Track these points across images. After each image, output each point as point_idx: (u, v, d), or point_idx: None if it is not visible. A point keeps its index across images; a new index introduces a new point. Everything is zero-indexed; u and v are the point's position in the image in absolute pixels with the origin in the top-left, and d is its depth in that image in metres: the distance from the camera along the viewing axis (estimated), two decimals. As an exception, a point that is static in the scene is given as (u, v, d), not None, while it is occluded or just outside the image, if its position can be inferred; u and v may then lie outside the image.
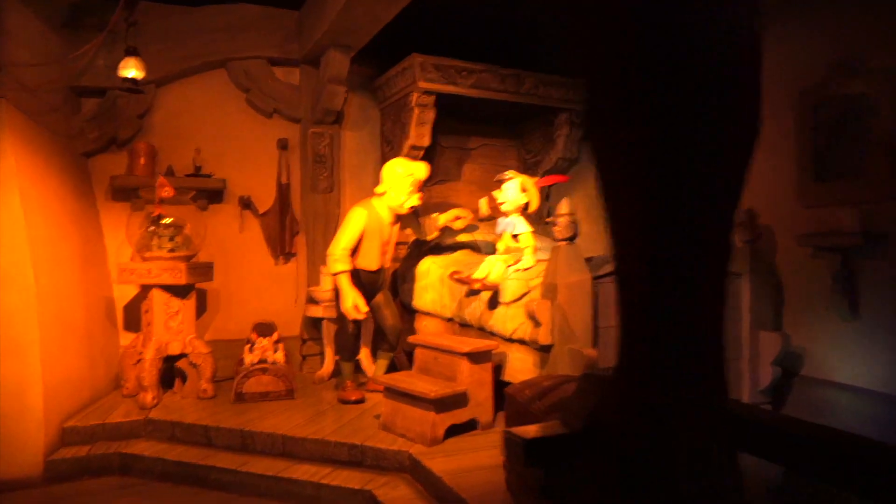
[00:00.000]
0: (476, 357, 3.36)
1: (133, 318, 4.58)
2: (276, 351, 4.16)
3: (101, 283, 4.44)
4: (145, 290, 4.10)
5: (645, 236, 1.56)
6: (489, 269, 3.69)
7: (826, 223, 3.66)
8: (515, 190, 3.82)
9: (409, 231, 4.43)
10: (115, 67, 4.04)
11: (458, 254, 4.59)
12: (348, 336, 4.01)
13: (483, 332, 3.78)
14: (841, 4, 3.66)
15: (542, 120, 5.36)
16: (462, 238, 4.71)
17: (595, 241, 4.73)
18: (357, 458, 3.20)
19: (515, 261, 3.71)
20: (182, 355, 4.09)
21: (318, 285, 4.73)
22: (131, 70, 3.95)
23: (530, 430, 1.75)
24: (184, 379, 4.17)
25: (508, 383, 3.50)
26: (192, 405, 3.91)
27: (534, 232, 3.85)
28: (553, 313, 3.15)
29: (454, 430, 3.28)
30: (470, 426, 3.38)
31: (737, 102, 1.44)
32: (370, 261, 3.99)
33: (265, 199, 5.13)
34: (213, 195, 4.96)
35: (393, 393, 3.39)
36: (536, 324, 3.22)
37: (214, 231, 4.83)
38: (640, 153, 1.49)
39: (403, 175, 3.95)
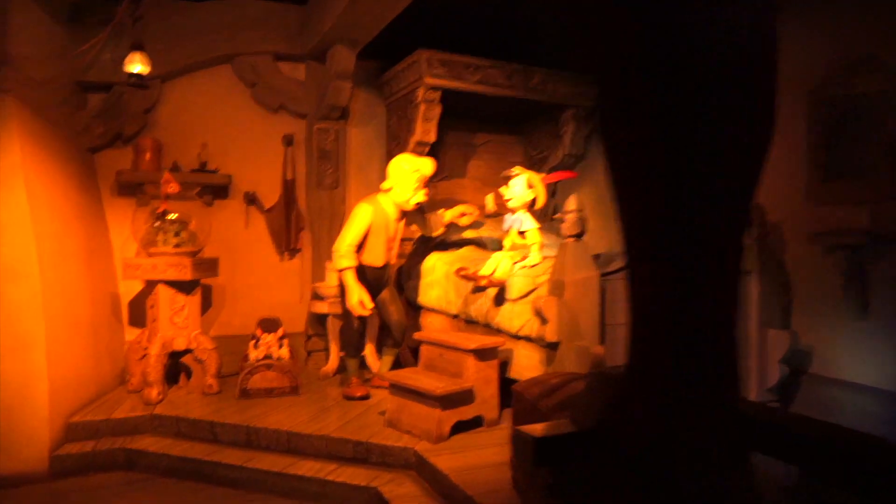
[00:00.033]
0: (482, 354, 3.35)
1: (138, 313, 4.58)
2: (280, 347, 4.15)
3: (106, 278, 4.44)
4: (150, 285, 4.10)
5: (657, 234, 1.54)
6: (495, 265, 3.66)
7: (837, 221, 3.63)
8: (522, 186, 3.80)
9: (414, 227, 4.41)
10: (120, 62, 4.02)
11: (464, 250, 4.57)
12: (353, 332, 3.99)
13: (489, 328, 3.76)
14: (852, 2, 3.62)
15: (549, 116, 5.33)
16: (468, 234, 4.69)
17: (601, 237, 4.72)
18: (362, 454, 3.18)
19: (522, 257, 3.69)
20: (187, 351, 4.09)
21: (322, 281, 4.72)
22: (137, 65, 3.94)
23: (540, 429, 1.73)
24: (189, 374, 4.17)
25: (514, 380, 3.49)
26: (197, 401, 3.90)
27: (540, 229, 3.82)
28: (560, 310, 3.13)
29: (460, 427, 3.26)
30: (476, 423, 3.36)
31: (752, 102, 1.42)
32: (376, 257, 3.98)
33: (270, 194, 5.12)
34: (218, 191, 4.95)
35: (399, 389, 3.38)
36: (543, 321, 3.19)
37: (219, 227, 4.81)
38: (653, 151, 1.47)
39: (409, 171, 3.93)
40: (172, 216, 4.12)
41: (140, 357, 4.05)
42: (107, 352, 4.20)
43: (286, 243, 5.15)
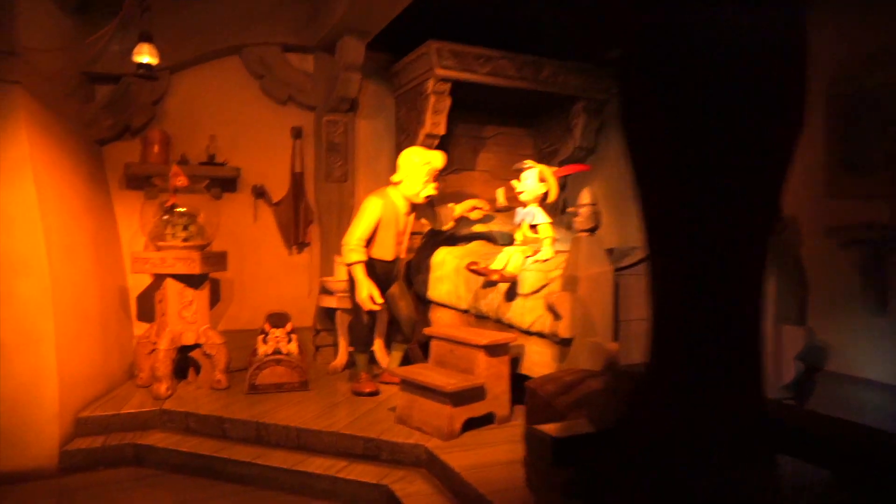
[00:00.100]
0: (494, 350, 3.30)
1: (146, 307, 4.56)
2: (289, 342, 4.12)
3: (115, 272, 4.42)
4: (159, 279, 4.07)
5: (680, 230, 1.49)
6: (507, 259, 3.62)
7: (854, 216, 3.56)
8: (534, 179, 3.74)
9: (423, 221, 4.36)
10: (129, 54, 3.98)
11: (474, 244, 4.52)
12: (363, 327, 3.96)
13: (500, 324, 3.72)
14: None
15: (559, 109, 5.26)
16: (478, 228, 4.64)
17: (613, 231, 4.67)
18: (373, 451, 3.15)
19: (534, 252, 3.64)
20: (196, 345, 4.07)
21: (331, 275, 4.69)
22: (145, 56, 3.89)
23: (557, 428, 1.69)
24: (197, 369, 4.14)
25: (525, 376, 3.44)
26: (206, 396, 3.88)
27: (551, 223, 3.77)
28: (574, 306, 3.08)
29: (471, 424, 3.23)
30: (487, 420, 3.33)
31: (780, 96, 1.37)
32: (385, 251, 3.93)
33: (279, 187, 5.08)
34: (226, 184, 4.92)
35: (409, 386, 3.34)
36: (556, 316, 3.15)
37: (228, 220, 4.78)
38: (676, 145, 1.41)
39: (420, 164, 3.89)
40: (181, 209, 4.09)
41: (149, 352, 4.03)
42: (116, 346, 4.19)
43: (295, 237, 5.12)
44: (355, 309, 3.93)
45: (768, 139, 1.41)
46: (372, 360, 4.23)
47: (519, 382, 3.38)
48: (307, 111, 5.15)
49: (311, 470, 3.06)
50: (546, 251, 3.58)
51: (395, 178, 3.96)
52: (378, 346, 4.44)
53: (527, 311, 3.46)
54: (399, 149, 4.79)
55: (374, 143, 5.25)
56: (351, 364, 4.40)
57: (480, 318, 3.95)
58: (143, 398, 3.83)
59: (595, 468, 1.72)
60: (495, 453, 2.94)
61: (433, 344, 3.57)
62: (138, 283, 4.58)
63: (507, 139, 5.61)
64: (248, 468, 3.18)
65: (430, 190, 3.94)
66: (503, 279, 3.54)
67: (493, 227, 4.66)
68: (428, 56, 4.43)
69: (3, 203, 3.34)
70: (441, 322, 4.40)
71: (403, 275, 4.26)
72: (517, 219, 3.81)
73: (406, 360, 4.18)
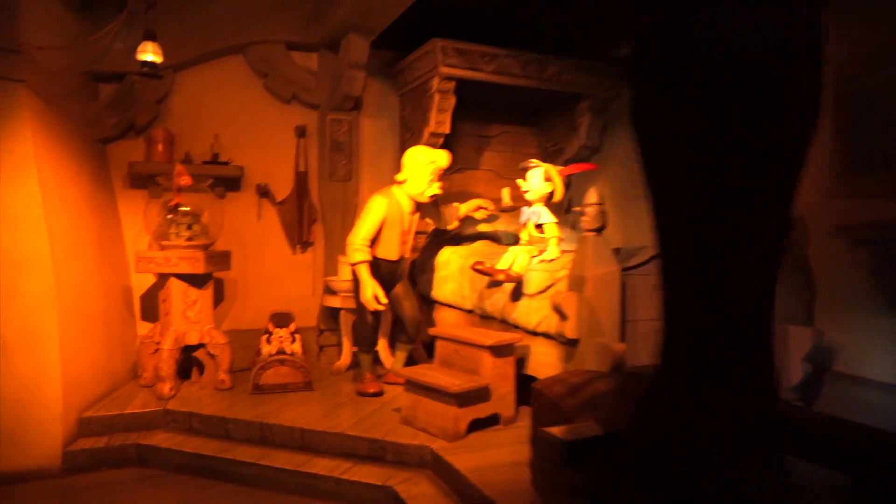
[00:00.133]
0: (499, 350, 3.28)
1: (150, 307, 4.55)
2: (293, 341, 4.10)
3: (118, 271, 4.40)
4: (163, 279, 4.06)
5: (692, 230, 1.46)
6: (512, 259, 3.59)
7: (863, 214, 3.53)
8: (540, 179, 3.72)
9: (428, 220, 4.34)
10: (133, 52, 3.97)
11: (478, 244, 4.49)
12: (367, 327, 3.94)
13: (505, 324, 3.69)
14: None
15: (564, 107, 5.23)
16: (482, 228, 4.61)
17: (618, 231, 4.63)
18: (378, 452, 3.13)
19: (540, 251, 3.61)
20: (200, 345, 4.05)
21: (335, 275, 4.66)
22: (149, 54, 3.88)
23: (566, 430, 1.67)
24: (201, 369, 4.13)
25: (529, 377, 3.42)
26: (209, 396, 3.86)
27: (557, 222, 3.74)
28: (580, 306, 3.05)
29: (476, 425, 3.20)
30: (492, 421, 3.30)
31: (794, 96, 1.34)
32: (390, 250, 3.91)
33: (283, 186, 5.07)
34: (230, 183, 4.90)
35: (414, 386, 3.32)
36: (563, 317, 3.12)
37: (232, 219, 4.77)
38: (689, 144, 1.39)
39: (425, 163, 3.86)
40: (185, 209, 4.08)
41: (152, 351, 4.02)
42: (119, 346, 4.17)
43: (298, 236, 5.10)
44: (359, 309, 3.91)
45: (782, 138, 1.38)
46: (376, 360, 4.21)
47: (524, 383, 3.36)
48: (311, 110, 5.13)
49: (315, 471, 3.05)
50: (552, 251, 3.56)
51: (399, 177, 3.93)
52: (382, 346, 4.42)
53: (532, 312, 3.43)
54: (403, 147, 4.76)
55: (378, 141, 5.23)
56: (355, 364, 4.38)
57: (485, 319, 3.93)
58: (147, 398, 3.81)
59: (604, 471, 1.70)
60: (501, 455, 2.92)
61: (438, 344, 3.55)
62: (142, 282, 4.57)
63: (511, 138, 5.58)
64: (251, 469, 3.16)
65: (435, 189, 3.91)
66: (509, 279, 3.51)
67: (498, 226, 4.63)
68: (432, 54, 4.41)
69: (7, 202, 3.33)
70: (445, 322, 4.37)
71: (408, 274, 4.24)
72: (523, 218, 3.79)
73: (410, 361, 4.16)
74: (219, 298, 4.78)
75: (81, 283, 3.75)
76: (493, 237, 4.60)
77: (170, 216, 4.07)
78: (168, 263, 3.92)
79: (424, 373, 3.33)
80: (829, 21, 1.34)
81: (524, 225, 3.77)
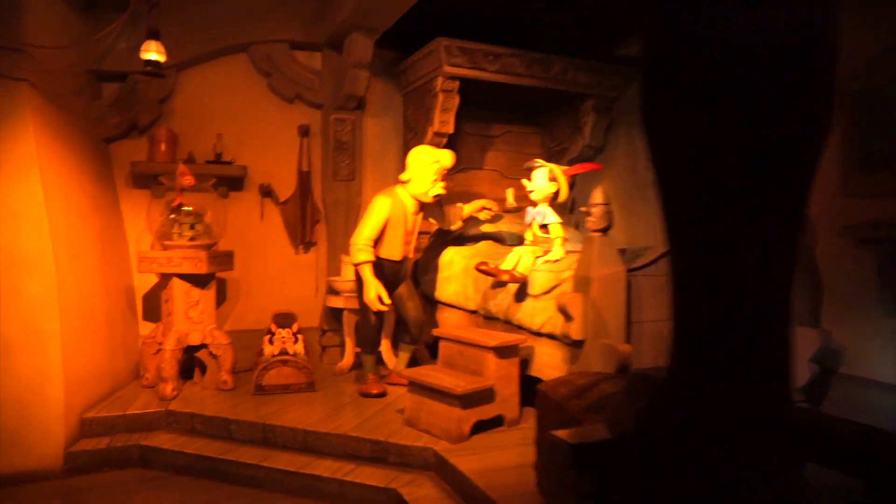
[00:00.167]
0: (503, 351, 3.26)
1: (152, 307, 4.53)
2: (296, 342, 4.09)
3: (121, 271, 4.39)
4: (165, 279, 4.04)
5: (705, 231, 1.44)
6: (517, 259, 3.57)
7: (870, 214, 3.50)
8: (544, 179, 3.69)
9: (431, 220, 4.31)
10: (136, 51, 3.96)
11: (482, 244, 4.47)
12: (370, 328, 3.91)
13: (509, 325, 3.67)
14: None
15: (568, 107, 5.21)
16: (486, 228, 4.59)
17: (621, 231, 4.61)
18: (381, 454, 3.11)
19: (544, 252, 3.59)
20: (202, 346, 4.03)
21: (338, 275, 4.65)
22: (152, 53, 3.86)
23: (574, 434, 1.64)
24: (203, 370, 4.11)
25: (533, 378, 3.39)
26: (211, 397, 3.85)
27: (562, 223, 3.72)
28: (586, 307, 3.02)
29: (480, 427, 3.18)
30: (496, 422, 3.28)
31: (809, 94, 1.32)
32: (394, 251, 3.89)
33: (286, 186, 5.04)
34: (233, 182, 4.88)
35: (417, 387, 3.30)
36: (568, 318, 3.09)
37: (234, 219, 4.75)
38: (701, 143, 1.36)
39: (429, 162, 3.84)
40: (188, 208, 4.06)
41: (155, 352, 4.00)
42: (121, 346, 4.16)
43: (301, 236, 5.08)
44: (363, 309, 3.89)
45: (795, 136, 1.36)
46: (379, 361, 4.19)
47: (528, 384, 3.34)
48: (314, 109, 5.10)
49: (318, 473, 3.02)
50: (557, 251, 3.53)
51: (403, 176, 3.91)
52: (385, 347, 4.40)
53: (537, 312, 3.41)
54: (407, 147, 4.74)
55: (381, 141, 5.21)
56: (357, 365, 4.36)
57: (489, 319, 3.90)
58: (149, 399, 3.79)
59: (612, 474, 1.67)
60: (505, 457, 2.89)
61: (442, 345, 3.52)
62: (144, 282, 4.55)
63: (515, 138, 5.56)
64: (254, 470, 3.14)
65: (439, 189, 3.89)
66: (513, 280, 3.49)
67: (502, 227, 4.61)
68: (436, 53, 4.38)
69: (10, 201, 3.32)
70: (449, 323, 4.35)
71: (411, 275, 4.22)
72: (527, 218, 3.76)
73: (413, 362, 4.14)
74: (221, 298, 4.76)
75: (84, 282, 3.73)
76: (496, 238, 4.58)
77: (172, 216, 4.05)
78: (171, 263, 3.91)
79: (428, 374, 3.30)
80: (843, 18, 1.32)
81: (529, 225, 3.75)
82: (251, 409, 3.58)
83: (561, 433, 1.61)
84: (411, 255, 4.08)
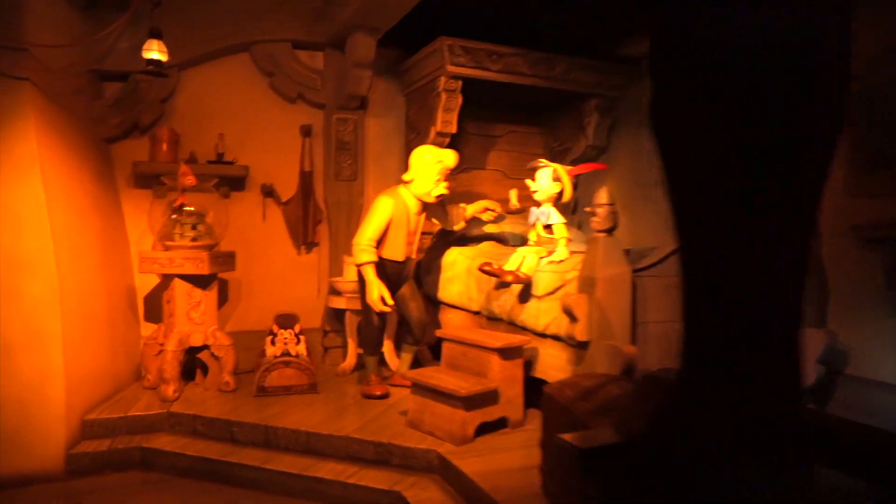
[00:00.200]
0: (508, 353, 3.23)
1: (154, 308, 4.51)
2: (298, 343, 4.06)
3: (122, 272, 4.37)
4: (167, 279, 4.02)
5: (715, 231, 1.41)
6: (521, 260, 3.54)
7: (878, 214, 3.47)
8: (548, 179, 3.67)
9: (434, 221, 4.29)
10: (138, 51, 3.94)
11: (485, 245, 4.45)
12: (373, 329, 3.89)
13: (513, 326, 3.64)
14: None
15: (571, 106, 5.19)
16: (489, 229, 4.57)
17: (625, 232, 4.58)
18: (384, 456, 3.08)
19: (548, 252, 3.56)
20: (204, 347, 4.01)
21: (340, 276, 4.62)
22: (154, 52, 3.84)
23: (582, 438, 1.62)
24: (205, 371, 4.08)
25: (536, 379, 3.37)
26: (213, 398, 3.82)
27: (566, 223, 3.69)
28: (591, 308, 3.00)
29: (484, 429, 3.15)
30: (500, 424, 3.25)
31: (817, 93, 1.29)
32: (396, 251, 3.87)
33: (288, 186, 5.02)
34: (235, 182, 4.86)
35: (421, 389, 3.27)
36: (573, 319, 3.07)
37: (236, 219, 4.72)
38: (712, 141, 1.34)
39: (432, 162, 3.81)
40: (189, 209, 4.04)
41: (156, 353, 3.98)
42: (123, 347, 4.14)
43: (303, 236, 5.05)
44: (365, 310, 3.86)
45: (805, 135, 1.34)
46: (381, 362, 4.16)
47: (531, 385, 3.32)
48: (317, 109, 5.08)
49: (321, 475, 3.00)
50: (561, 252, 3.51)
51: (406, 176, 3.89)
52: (387, 348, 4.38)
53: (541, 313, 3.38)
54: (409, 147, 4.72)
55: (384, 141, 5.19)
56: (359, 366, 4.34)
57: (492, 320, 3.88)
58: (151, 400, 3.77)
59: (621, 479, 1.65)
60: (510, 459, 2.87)
61: (445, 346, 3.50)
62: (146, 283, 4.53)
63: (518, 138, 5.54)
64: (256, 473, 3.12)
65: (442, 189, 3.87)
66: (517, 280, 3.46)
67: (505, 227, 4.58)
68: (439, 53, 4.36)
69: (11, 201, 3.30)
70: (451, 324, 4.33)
71: (414, 275, 4.19)
72: (531, 219, 3.74)
73: (416, 363, 4.11)
74: (223, 299, 4.74)
75: (85, 283, 3.71)
76: (499, 238, 4.55)
77: (174, 216, 4.03)
78: (172, 264, 3.88)
79: (432, 375, 3.28)
80: (857, 17, 1.30)
81: (533, 225, 3.72)
82: (253, 411, 3.55)
83: (568, 437, 1.58)
84: (414, 256, 4.06)
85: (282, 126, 4.99)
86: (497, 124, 5.42)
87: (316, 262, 5.13)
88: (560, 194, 3.68)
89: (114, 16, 4.12)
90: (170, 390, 3.75)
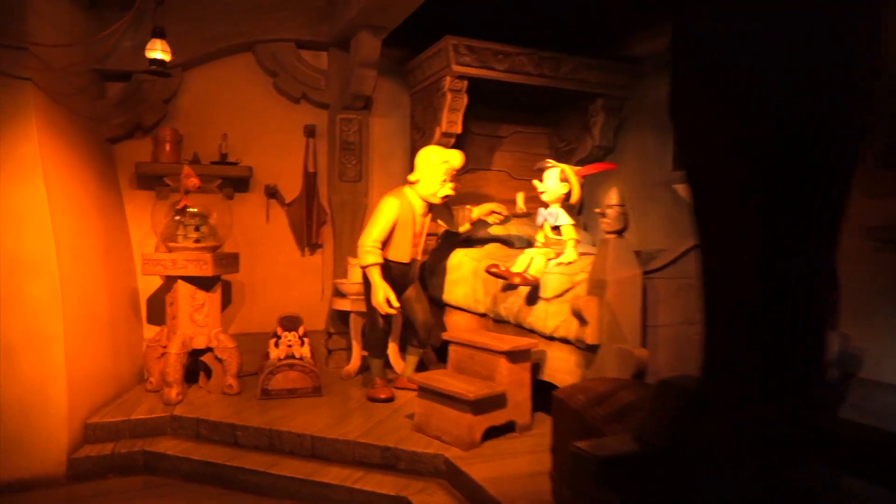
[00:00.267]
0: (515, 356, 3.19)
1: (157, 310, 4.46)
2: (302, 345, 4.02)
3: (125, 273, 4.33)
4: (170, 281, 3.98)
5: (741, 231, 1.37)
6: (528, 262, 3.49)
7: (890, 214, 3.42)
8: (556, 179, 3.62)
9: (439, 222, 4.24)
10: (141, 50, 3.90)
11: (490, 247, 4.41)
12: (378, 331, 3.84)
13: (520, 328, 3.59)
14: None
15: (577, 106, 5.14)
16: (495, 231, 4.52)
17: (631, 233, 4.52)
18: (390, 461, 3.04)
19: (556, 254, 3.51)
20: (207, 349, 3.97)
21: (345, 277, 4.58)
22: (158, 52, 3.80)
23: (600, 445, 1.57)
24: (208, 374, 4.04)
25: (544, 382, 3.32)
26: (217, 401, 3.78)
27: (574, 224, 3.64)
28: (601, 311, 2.95)
29: (491, 433, 3.11)
30: (508, 428, 3.20)
31: (848, 91, 1.25)
32: (402, 253, 3.82)
33: (292, 187, 4.98)
34: (239, 183, 4.82)
35: (428, 392, 3.22)
36: (583, 322, 3.02)
37: (240, 221, 4.68)
38: (734, 141, 1.30)
39: (438, 163, 3.77)
40: (193, 210, 4.00)
41: (159, 356, 3.94)
42: (125, 350, 4.10)
43: (307, 238, 5.01)
44: (370, 312, 3.82)
45: (829, 133, 1.29)
46: (386, 364, 4.12)
47: (538, 389, 3.27)
48: (321, 109, 5.04)
49: (326, 480, 2.96)
50: (569, 254, 3.46)
51: (412, 177, 3.84)
52: (392, 350, 4.33)
53: (549, 316, 3.33)
54: (414, 147, 4.67)
55: (388, 141, 5.15)
56: (364, 369, 4.29)
57: (499, 323, 3.83)
58: (153, 403, 3.73)
59: (640, 489, 1.59)
60: (519, 464, 2.82)
61: (452, 349, 3.45)
62: (149, 284, 4.48)
63: (523, 138, 5.49)
64: (261, 477, 3.08)
65: (448, 190, 3.82)
66: (525, 282, 3.41)
67: (511, 229, 4.54)
68: (445, 52, 4.32)
69: (13, 202, 3.26)
70: (457, 326, 4.28)
71: (418, 277, 4.15)
72: (539, 220, 3.69)
73: (421, 366, 4.07)
74: (226, 301, 4.70)
75: (87, 285, 3.67)
76: (505, 240, 4.51)
77: (177, 217, 3.99)
78: (175, 266, 3.84)
79: (439, 379, 3.23)
80: (888, 15, 1.26)
81: (540, 227, 3.68)
82: (257, 415, 3.51)
83: (585, 444, 1.53)
84: (419, 258, 4.01)
85: (285, 126, 4.95)
86: (502, 124, 5.38)
87: (320, 264, 5.08)
88: (568, 195, 3.64)
89: (117, 15, 4.08)
90: (173, 393, 3.71)
